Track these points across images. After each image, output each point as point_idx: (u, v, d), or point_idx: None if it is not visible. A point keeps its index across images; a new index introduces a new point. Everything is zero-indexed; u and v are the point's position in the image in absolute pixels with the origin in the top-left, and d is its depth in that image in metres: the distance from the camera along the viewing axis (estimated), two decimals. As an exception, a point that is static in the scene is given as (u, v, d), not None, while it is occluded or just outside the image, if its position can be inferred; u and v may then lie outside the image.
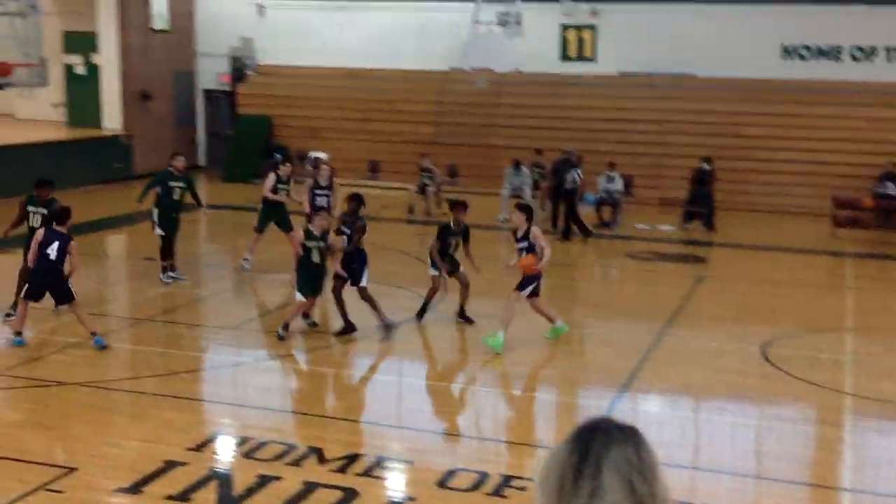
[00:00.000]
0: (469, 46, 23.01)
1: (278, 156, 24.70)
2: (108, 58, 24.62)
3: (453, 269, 12.27)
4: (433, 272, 12.24)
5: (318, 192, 14.58)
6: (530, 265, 11.07)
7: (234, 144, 25.36)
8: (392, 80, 25.45)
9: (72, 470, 7.73)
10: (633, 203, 20.85)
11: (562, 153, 19.24)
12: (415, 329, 12.23)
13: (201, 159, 27.13)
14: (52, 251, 10.59)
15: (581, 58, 24.79)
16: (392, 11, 25.71)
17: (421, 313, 12.20)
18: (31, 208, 11.72)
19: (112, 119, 24.87)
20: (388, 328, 11.61)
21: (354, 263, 11.78)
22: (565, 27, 24.76)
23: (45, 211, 11.52)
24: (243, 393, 10.30)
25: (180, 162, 14.05)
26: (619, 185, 19.84)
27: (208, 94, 27.32)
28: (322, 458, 8.08)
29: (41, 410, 9.12)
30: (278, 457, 8.09)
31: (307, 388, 10.54)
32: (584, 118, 23.54)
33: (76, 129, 25.01)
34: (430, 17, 25.22)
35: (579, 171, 18.66)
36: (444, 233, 12.29)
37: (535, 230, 11.32)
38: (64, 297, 10.84)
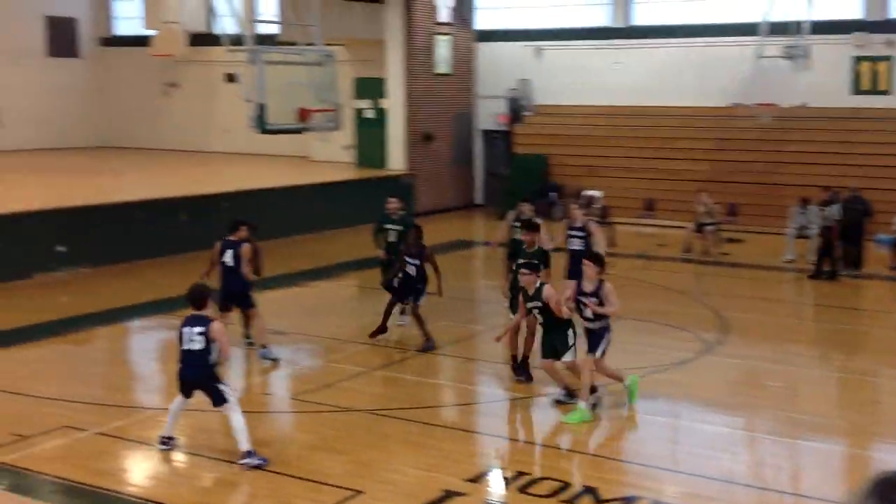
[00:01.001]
0: (752, 81, 22.29)
1: (553, 194, 25.03)
2: (395, 102, 25.94)
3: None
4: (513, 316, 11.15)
5: (572, 232, 13.44)
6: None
7: (510, 183, 25.88)
8: (671, 116, 25.10)
9: (358, 493, 8.10)
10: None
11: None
12: (688, 369, 11.90)
13: (478, 198, 27.89)
14: (228, 258, 11.60)
15: (875, 91, 23.34)
16: (671, 48, 25.40)
17: (519, 366, 11.20)
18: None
19: (396, 160, 26.13)
20: (427, 348, 12.41)
21: (419, 284, 12.54)
22: (858, 59, 23.43)
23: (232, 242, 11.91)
24: (518, 427, 10.41)
25: (392, 204, 14.43)
26: (918, 224, 18.44)
27: (486, 134, 28.11)
28: (597, 498, 8.00)
29: (331, 435, 9.62)
30: (553, 493, 8.10)
31: (581, 426, 10.48)
32: (879, 154, 22.15)
33: (363, 169, 26.47)
34: (711, 51, 24.70)
35: (829, 209, 17.87)
36: (515, 253, 11.57)
37: (609, 286, 10.03)
38: (246, 302, 11.86)
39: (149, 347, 13.86)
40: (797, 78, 22.05)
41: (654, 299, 16.08)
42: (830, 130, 23.11)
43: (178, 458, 9.06)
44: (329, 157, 27.32)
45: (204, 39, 30.32)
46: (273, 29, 24.05)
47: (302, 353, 12.76)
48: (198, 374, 8.68)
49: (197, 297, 8.77)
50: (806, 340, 14.09)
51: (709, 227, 19.76)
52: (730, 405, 10.91)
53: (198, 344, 8.57)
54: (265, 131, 18.15)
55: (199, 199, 20.43)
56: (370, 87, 26.60)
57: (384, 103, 26.30)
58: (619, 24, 26.36)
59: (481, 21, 27.76)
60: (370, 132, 26.68)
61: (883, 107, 23.01)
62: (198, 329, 8.58)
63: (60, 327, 13.47)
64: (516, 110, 27.06)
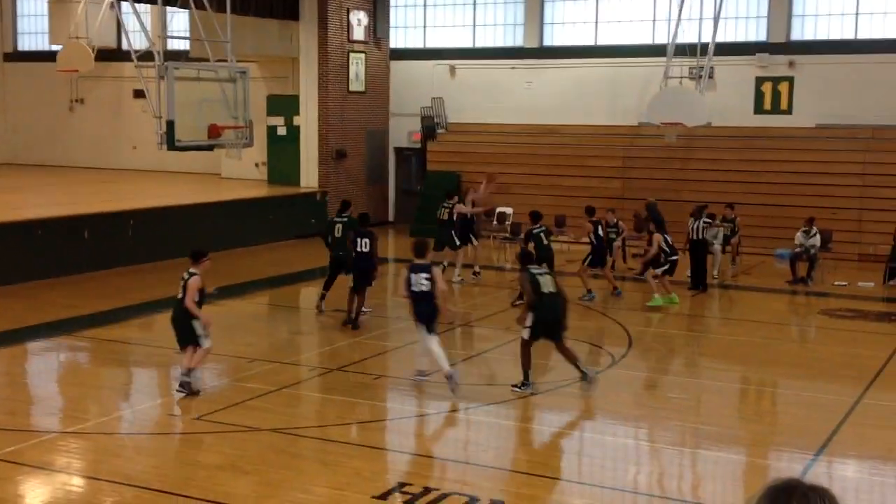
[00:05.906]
0: (659, 101, 22.80)
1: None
2: (308, 119, 25.83)
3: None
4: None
5: None
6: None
7: (423, 200, 25.97)
8: (581, 135, 25.51)
9: (263, 512, 8.00)
10: (832, 259, 19.94)
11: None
12: (597, 382, 12.07)
13: (391, 215, 27.91)
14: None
15: (777, 110, 24.10)
16: (581, 68, 25.85)
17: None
18: (336, 219, 16.06)
19: (309, 177, 26.01)
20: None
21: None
22: (761, 80, 24.16)
23: (345, 219, 15.80)
24: (427, 444, 10.42)
25: None
26: (816, 240, 19.04)
27: (399, 151, 28.17)
28: (503, 512, 8.04)
29: (239, 455, 9.49)
30: (460, 508, 8.12)
31: (490, 441, 10.55)
32: (780, 172, 22.83)
33: (276, 186, 26.29)
34: (620, 72, 25.20)
35: (701, 223, 18.54)
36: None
37: None
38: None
39: (48, 369, 13.51)
40: (702, 98, 22.63)
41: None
42: (734, 149, 23.75)
43: (77, 482, 8.86)
44: (240, 174, 27.10)
45: (112, 55, 29.81)
46: (184, 45, 23.80)
47: (210, 373, 12.58)
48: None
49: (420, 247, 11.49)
50: (707, 353, 14.42)
51: (616, 243, 20.11)
52: (634, 417, 11.10)
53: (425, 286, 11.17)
54: (174, 148, 17.89)
55: (103, 217, 20.03)
56: (283, 105, 26.46)
57: (297, 120, 26.17)
58: (532, 45, 26.73)
59: (396, 39, 27.87)
60: (283, 149, 26.52)
61: (784, 126, 23.75)
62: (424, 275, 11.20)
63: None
64: (430, 128, 27.19)
